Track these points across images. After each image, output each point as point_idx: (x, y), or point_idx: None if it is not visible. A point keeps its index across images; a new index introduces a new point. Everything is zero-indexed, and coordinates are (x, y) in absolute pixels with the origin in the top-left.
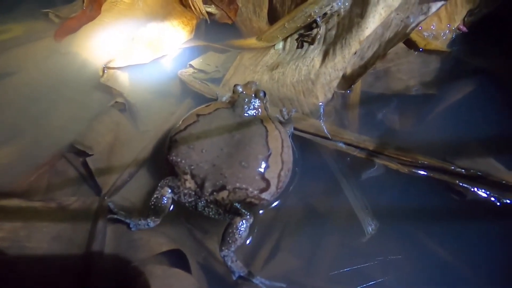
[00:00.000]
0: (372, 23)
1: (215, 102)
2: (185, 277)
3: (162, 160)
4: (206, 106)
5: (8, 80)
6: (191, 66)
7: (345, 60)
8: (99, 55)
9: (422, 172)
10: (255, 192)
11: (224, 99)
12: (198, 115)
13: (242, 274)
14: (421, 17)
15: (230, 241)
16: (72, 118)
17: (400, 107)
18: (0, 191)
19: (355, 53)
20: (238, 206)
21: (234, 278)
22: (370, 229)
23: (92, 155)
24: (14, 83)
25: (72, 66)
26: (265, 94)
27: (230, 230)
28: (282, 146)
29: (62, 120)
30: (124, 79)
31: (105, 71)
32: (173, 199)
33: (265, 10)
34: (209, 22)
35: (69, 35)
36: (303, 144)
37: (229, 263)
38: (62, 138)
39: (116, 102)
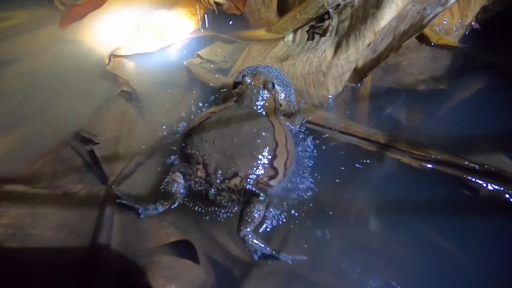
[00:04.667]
0: (388, 14)
1: (226, 103)
2: (193, 268)
3: (169, 150)
4: (217, 107)
5: (12, 67)
6: (198, 56)
7: (358, 51)
8: (105, 43)
9: (433, 167)
10: (265, 179)
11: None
12: (210, 113)
13: (265, 252)
14: (439, 9)
15: (249, 220)
16: (76, 107)
17: (409, 101)
18: (5, 177)
19: (369, 44)
20: (253, 188)
21: (256, 258)
22: (376, 224)
23: (98, 143)
24: (18, 70)
25: (77, 54)
26: (273, 85)
27: (248, 209)
28: (286, 139)
29: (67, 109)
30: (130, 68)
31: (112, 59)
32: (183, 185)
33: (275, 1)
34: (216, 12)
35: (75, 23)
36: (313, 138)
37: (250, 242)
38: (66, 127)
39: (122, 90)
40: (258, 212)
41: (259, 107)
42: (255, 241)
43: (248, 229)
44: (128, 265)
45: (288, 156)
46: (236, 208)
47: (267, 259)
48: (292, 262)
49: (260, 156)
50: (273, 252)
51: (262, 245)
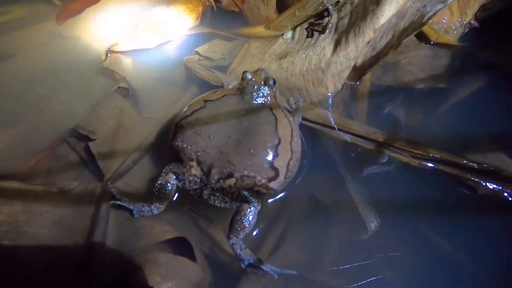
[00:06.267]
0: (388, 10)
1: (223, 89)
2: (190, 266)
3: (166, 147)
4: (213, 92)
5: (7, 63)
6: (197, 53)
7: (358, 49)
8: (102, 39)
9: (432, 166)
10: (263, 181)
11: (230, 86)
12: (205, 101)
13: (251, 262)
14: (439, 6)
15: (238, 229)
16: (73, 103)
17: (409, 100)
18: None
19: (369, 42)
20: (246, 194)
21: (243, 266)
22: (373, 225)
23: (94, 140)
24: (13, 67)
25: (74, 50)
26: (274, 82)
27: (238, 218)
28: (292, 135)
29: (63, 106)
30: (127, 64)
31: (109, 54)
32: (177, 186)
33: None
34: (215, 9)
35: (72, 18)
36: (312, 136)
37: (238, 251)
38: (62, 124)
39: (119, 87)
40: (249, 221)
41: (259, 103)
42: (243, 251)
43: (238, 238)
44: (124, 263)
45: (292, 156)
46: (230, 205)
47: (255, 268)
48: (278, 277)
49: (258, 154)
50: (260, 264)
51: (250, 255)
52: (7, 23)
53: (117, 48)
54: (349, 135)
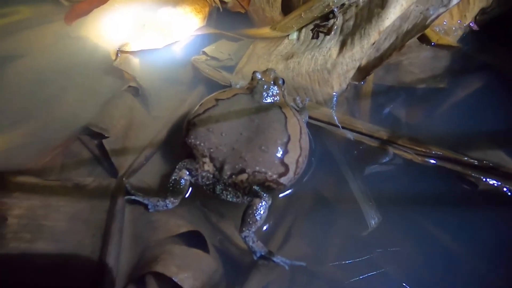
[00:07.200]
0: (393, 13)
1: (232, 88)
2: (204, 257)
3: (177, 144)
4: (224, 91)
5: (17, 63)
6: (204, 53)
7: (363, 50)
8: (110, 39)
9: (434, 162)
10: (274, 176)
11: (238, 86)
12: (217, 100)
13: (263, 254)
14: (442, 10)
15: (250, 222)
16: (82, 102)
17: (410, 100)
18: (16, 170)
19: (373, 43)
20: (257, 189)
21: (255, 258)
22: (373, 222)
23: (108, 137)
24: (22, 67)
25: (82, 51)
26: (283, 81)
27: (250, 211)
28: (300, 133)
29: (72, 104)
30: (135, 64)
31: (119, 54)
32: (190, 181)
33: (279, 0)
34: (221, 10)
35: (80, 19)
36: (318, 134)
37: (250, 244)
38: (72, 122)
39: (129, 86)
40: (260, 215)
41: (269, 102)
42: (255, 243)
43: (250, 231)
44: (140, 255)
45: (301, 153)
46: (242, 200)
47: (266, 259)
48: (288, 268)
49: (269, 151)
50: (271, 256)
51: (261, 248)
52: (15, 23)
53: (127, 48)
54: (353, 133)
